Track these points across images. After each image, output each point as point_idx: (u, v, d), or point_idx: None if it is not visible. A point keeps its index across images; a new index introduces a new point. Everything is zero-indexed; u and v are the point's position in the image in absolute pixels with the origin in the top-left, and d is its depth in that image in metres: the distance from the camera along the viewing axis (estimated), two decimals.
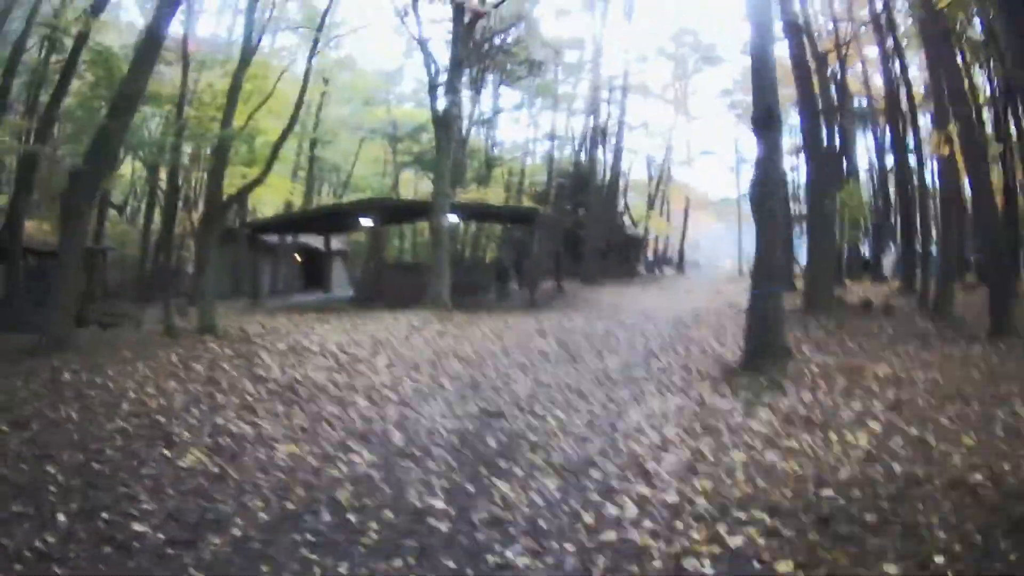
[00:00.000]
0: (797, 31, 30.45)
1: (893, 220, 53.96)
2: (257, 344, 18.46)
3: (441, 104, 35.59)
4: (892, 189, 52.35)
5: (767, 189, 16.37)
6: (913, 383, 12.78)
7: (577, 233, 56.08)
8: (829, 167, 31.44)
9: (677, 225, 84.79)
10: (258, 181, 28.37)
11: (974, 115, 30.14)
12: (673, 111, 79.06)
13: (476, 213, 46.96)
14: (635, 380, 14.61)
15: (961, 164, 25.46)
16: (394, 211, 41.39)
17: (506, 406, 12.04)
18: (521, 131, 75.34)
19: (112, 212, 51.56)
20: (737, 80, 72.01)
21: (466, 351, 18.60)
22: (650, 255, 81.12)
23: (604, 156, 66.33)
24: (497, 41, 55.35)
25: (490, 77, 62.25)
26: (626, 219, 73.81)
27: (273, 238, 46.01)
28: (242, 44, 28.21)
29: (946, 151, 22.65)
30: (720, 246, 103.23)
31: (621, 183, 72.01)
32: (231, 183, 31.94)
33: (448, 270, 32.82)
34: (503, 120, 72.51)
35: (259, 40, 30.19)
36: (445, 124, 35.51)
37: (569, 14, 69.17)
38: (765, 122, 16.12)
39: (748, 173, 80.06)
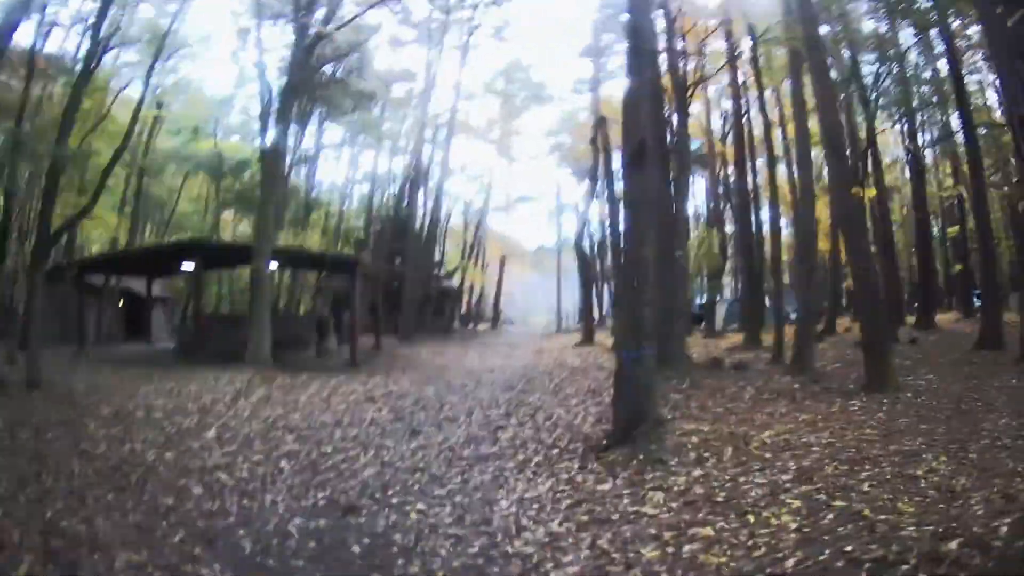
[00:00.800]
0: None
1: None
2: (82, 406, 17.54)
3: (271, 136, 34.39)
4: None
5: (639, 235, 15.23)
6: (808, 448, 12.54)
7: (394, 284, 55.46)
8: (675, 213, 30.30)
9: (492, 276, 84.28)
10: (86, 210, 27.23)
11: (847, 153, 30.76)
12: (495, 152, 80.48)
13: (295, 260, 44.83)
14: (488, 458, 13.87)
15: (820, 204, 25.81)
16: (216, 255, 39.57)
17: (357, 497, 11.20)
18: (341, 171, 74.32)
19: None
20: (564, 119, 73.43)
21: (297, 422, 17.74)
22: (463, 308, 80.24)
23: (424, 201, 65.58)
24: (329, 70, 53.33)
25: (315, 111, 60.24)
26: (442, 269, 73.19)
27: (98, 279, 43.87)
28: (84, 56, 27.78)
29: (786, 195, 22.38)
30: (535, 298, 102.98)
31: (439, 230, 71.12)
32: (62, 213, 31.12)
33: (269, 323, 31.63)
34: (323, 159, 71.32)
35: (103, 54, 29.22)
36: (273, 159, 34.47)
37: (404, 45, 66.53)
38: (638, 158, 15.38)
39: (570, 220, 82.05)
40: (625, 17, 17.78)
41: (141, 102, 30.40)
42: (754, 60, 38.25)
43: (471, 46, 64.29)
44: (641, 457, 12.16)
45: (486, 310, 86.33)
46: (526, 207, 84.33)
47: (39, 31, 32.27)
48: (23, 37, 30.95)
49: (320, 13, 35.28)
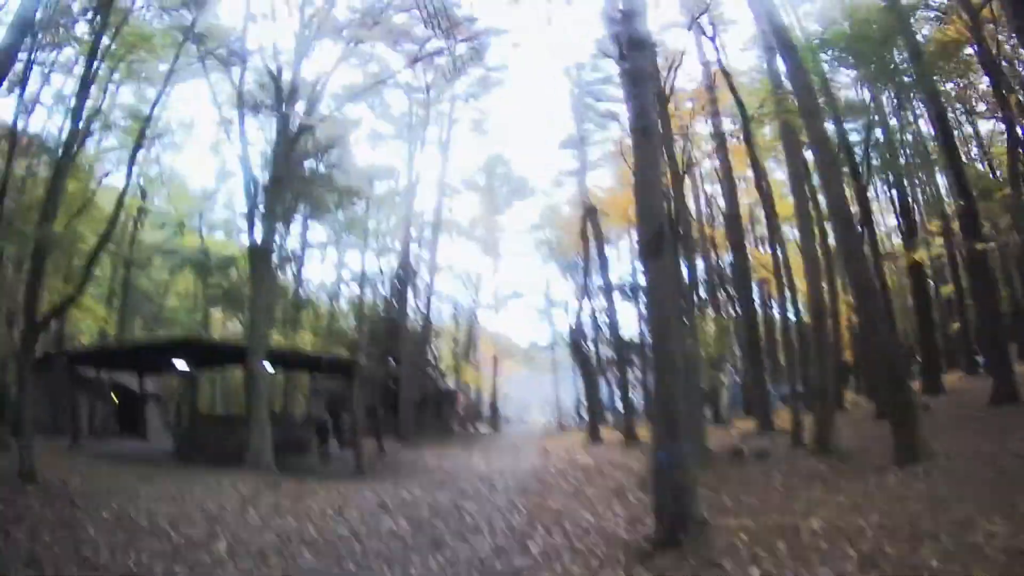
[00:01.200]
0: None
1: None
2: (80, 507, 16.10)
3: (259, 232, 33.21)
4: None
5: (663, 328, 14.13)
6: (861, 531, 11.35)
7: (391, 386, 54.08)
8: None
9: (486, 374, 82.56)
10: (74, 297, 25.89)
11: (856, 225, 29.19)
12: (482, 250, 78.54)
13: (291, 361, 43.44)
14: (523, 571, 12.55)
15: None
16: (209, 353, 38.08)
17: None
18: (328, 271, 72.46)
19: None
20: (547, 213, 73.22)
21: (313, 535, 16.27)
22: (460, 409, 77.26)
23: (415, 301, 64.39)
24: (312, 165, 53.83)
25: (300, 208, 58.81)
26: (438, 370, 71.32)
27: (90, 372, 42.43)
28: (67, 136, 26.90)
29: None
30: (529, 396, 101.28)
31: (432, 330, 69.49)
32: (51, 300, 30.72)
33: (269, 426, 30.05)
34: (310, 258, 69.88)
35: (85, 138, 28.46)
36: (262, 255, 33.24)
37: (384, 140, 66.80)
38: (657, 245, 14.12)
39: (560, 316, 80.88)
40: (627, 95, 16.94)
41: (125, 190, 29.32)
42: (747, 137, 37.10)
43: (452, 140, 65.08)
44: (693, 562, 10.95)
45: (483, 410, 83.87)
46: (515, 303, 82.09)
47: (20, 108, 31.15)
48: (4, 113, 30.37)
49: (301, 106, 34.89)
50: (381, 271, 66.77)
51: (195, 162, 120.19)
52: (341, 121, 51.12)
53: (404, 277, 61.51)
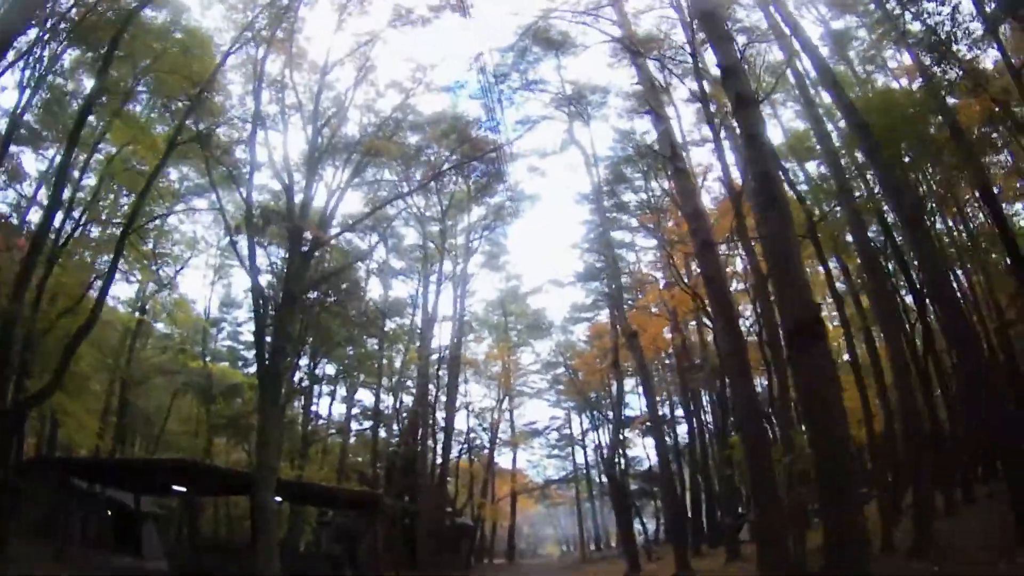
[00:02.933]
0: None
1: None
2: None
3: (268, 353, 29.48)
4: None
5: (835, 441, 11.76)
6: None
7: (407, 522, 50.44)
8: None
9: (501, 509, 78.52)
10: (50, 389, 22.13)
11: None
12: (497, 388, 74.32)
13: (304, 495, 40.20)
14: None
15: None
16: (210, 478, 34.77)
17: None
18: (338, 407, 68.38)
19: None
20: (561, 350, 71.36)
21: None
22: (476, 544, 72.91)
23: (431, 437, 59.67)
24: (319, 297, 50.59)
25: (309, 340, 55.11)
26: (454, 506, 66.70)
27: (83, 484, 38.30)
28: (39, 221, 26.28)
29: None
30: (542, 530, 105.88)
31: (449, 467, 64.75)
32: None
33: (278, 562, 26.19)
34: (319, 393, 65.53)
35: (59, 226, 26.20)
36: (274, 380, 28.96)
37: (396, 275, 65.18)
38: (811, 332, 11.83)
39: (577, 451, 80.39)
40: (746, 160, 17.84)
41: (109, 279, 28.21)
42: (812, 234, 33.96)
43: (467, 275, 61.88)
44: None
45: (498, 544, 79.75)
46: (531, 438, 78.94)
47: None
48: None
49: (312, 223, 32.25)
50: (396, 407, 63.01)
51: (199, 284, 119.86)
52: (352, 249, 51.78)
53: (420, 414, 57.46)
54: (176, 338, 59.07)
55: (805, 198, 34.10)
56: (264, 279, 38.99)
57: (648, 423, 58.23)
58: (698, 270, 37.44)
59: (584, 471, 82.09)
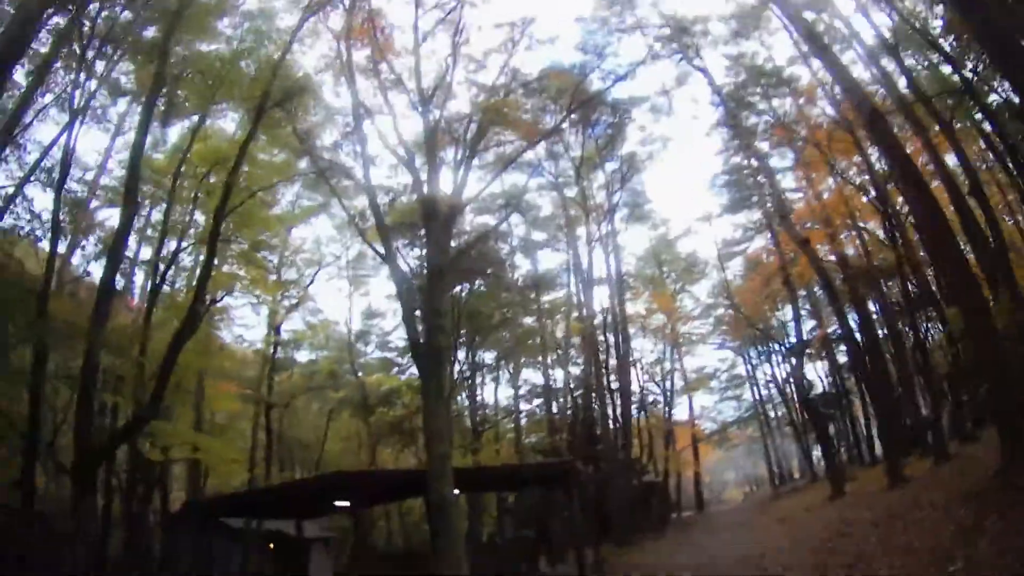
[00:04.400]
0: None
1: None
2: None
3: (419, 334, 25.60)
4: None
5: None
6: None
7: (595, 491, 46.59)
8: None
9: (684, 460, 74.55)
10: (144, 418, 18.57)
11: None
12: (662, 340, 70.74)
13: (486, 480, 35.95)
14: None
15: None
16: (375, 487, 31.30)
17: None
18: (504, 390, 65.73)
19: None
20: (718, 290, 68.27)
21: None
22: (666, 499, 68.89)
23: (612, 400, 56.40)
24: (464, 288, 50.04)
25: (463, 332, 53.49)
26: (639, 465, 63.09)
27: (238, 522, 36.84)
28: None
29: None
30: (720, 476, 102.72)
31: (630, 427, 58.98)
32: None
33: (464, 560, 22.33)
34: (481, 381, 63.71)
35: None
36: (434, 360, 24.94)
37: (540, 248, 61.92)
38: None
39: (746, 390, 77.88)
40: None
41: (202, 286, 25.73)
42: None
43: (612, 232, 57.87)
44: None
45: (685, 497, 76.41)
46: (702, 385, 75.34)
47: None
48: None
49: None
50: (566, 380, 59.33)
51: (336, 304, 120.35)
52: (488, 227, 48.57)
53: (591, 380, 54.65)
54: (322, 360, 58.83)
55: None
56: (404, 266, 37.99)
57: (827, 339, 54.18)
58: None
59: (759, 407, 78.21)
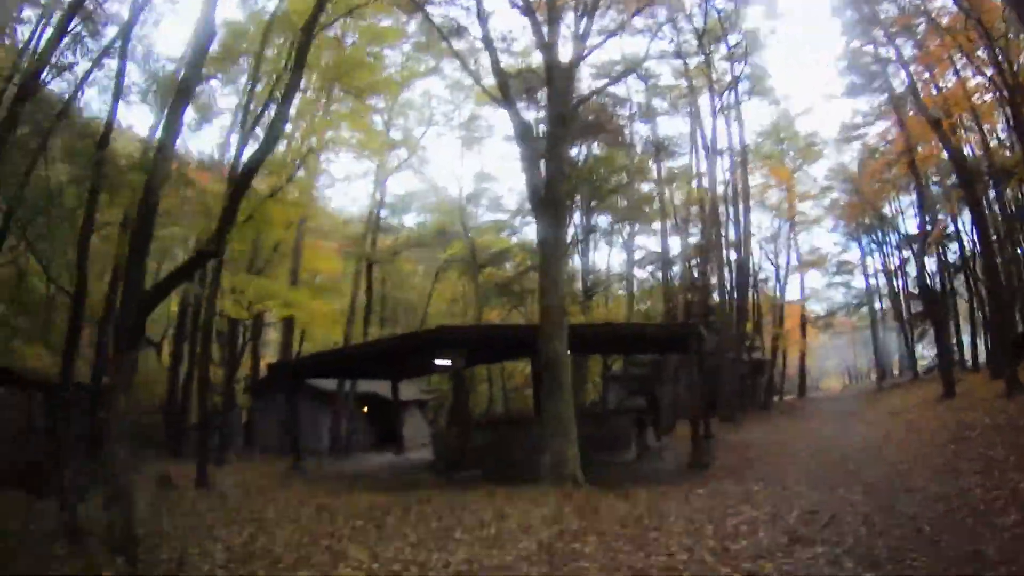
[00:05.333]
0: None
1: None
2: None
3: (538, 181, 23.23)
4: None
5: None
6: None
7: (703, 361, 44.11)
8: None
9: (791, 342, 71.85)
10: (205, 255, 15.28)
11: None
12: (777, 217, 68.70)
13: (601, 339, 32.20)
14: None
15: None
16: (481, 343, 28.93)
17: None
18: (618, 255, 63.92)
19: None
20: (829, 173, 64.84)
21: None
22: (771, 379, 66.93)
23: (729, 273, 55.00)
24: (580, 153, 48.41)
25: (578, 196, 51.67)
26: (751, 342, 61.08)
27: (329, 384, 37.09)
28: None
29: None
30: (820, 364, 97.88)
31: (744, 302, 57.08)
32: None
33: (574, 425, 20.32)
34: (594, 245, 62.07)
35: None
36: (554, 204, 22.90)
37: (660, 115, 57.58)
38: None
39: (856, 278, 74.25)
40: None
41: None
42: None
43: (733, 105, 54.95)
44: None
45: (787, 380, 74.75)
46: (814, 267, 72.62)
47: None
48: None
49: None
50: (682, 248, 57.47)
51: (447, 168, 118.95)
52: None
53: (709, 251, 52.82)
54: (431, 222, 58.68)
55: None
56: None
57: (942, 235, 50.65)
58: None
59: (868, 297, 75.27)
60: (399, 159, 49.64)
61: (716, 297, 52.87)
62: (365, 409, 40.72)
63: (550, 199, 22.36)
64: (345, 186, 47.47)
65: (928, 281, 49.82)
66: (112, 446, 11.67)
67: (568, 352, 21.49)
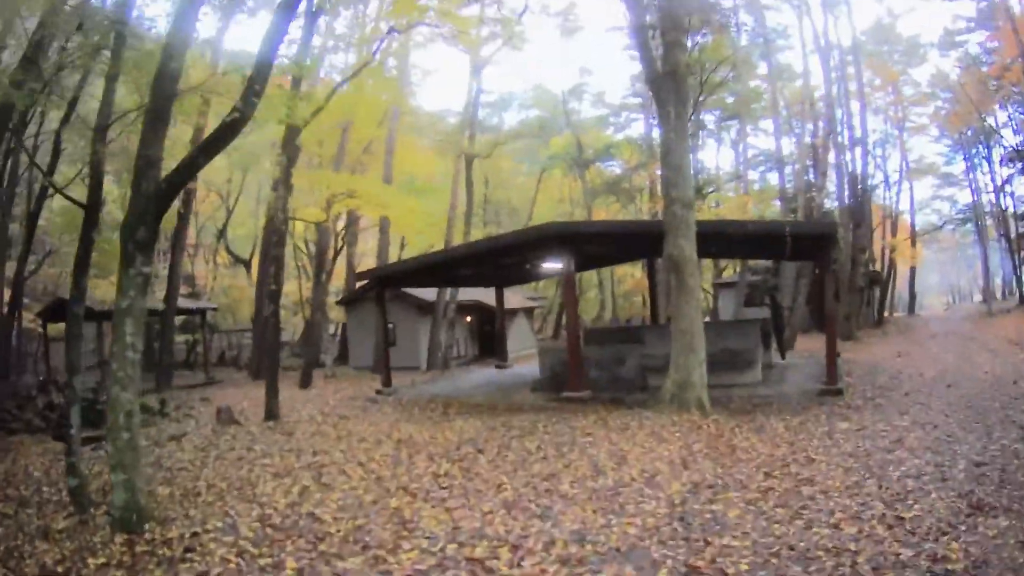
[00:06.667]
0: None
1: None
2: None
3: (655, 56, 20.37)
4: None
5: None
6: None
7: (817, 273, 40.88)
8: None
9: (901, 257, 67.26)
10: (239, 121, 11.66)
11: None
12: (886, 121, 64.44)
13: (726, 236, 23.81)
14: None
15: None
16: (596, 242, 25.58)
17: None
18: (726, 155, 61.27)
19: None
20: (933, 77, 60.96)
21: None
22: (884, 294, 63.31)
23: (840, 176, 50.46)
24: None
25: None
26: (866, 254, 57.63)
27: (429, 294, 34.59)
28: None
29: None
30: (924, 280, 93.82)
31: (862, 212, 52.41)
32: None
33: (702, 340, 17.49)
34: (702, 142, 57.42)
35: None
36: (673, 78, 19.22)
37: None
38: None
39: (962, 194, 71.28)
40: None
41: None
42: None
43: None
44: None
45: (899, 295, 72.92)
46: (930, 171, 68.63)
47: None
48: None
49: None
50: (800, 148, 52.00)
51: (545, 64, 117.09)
52: None
53: (816, 155, 48.15)
54: (531, 119, 56.79)
55: None
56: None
57: None
58: None
59: (976, 211, 68.25)
60: (494, 49, 46.35)
61: (827, 204, 49.07)
62: (468, 319, 38.47)
63: (669, 71, 19.03)
64: (441, 83, 44.30)
65: None
66: (114, 389, 9.07)
67: (695, 253, 18.36)
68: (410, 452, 13.24)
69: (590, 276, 51.69)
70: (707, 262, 44.04)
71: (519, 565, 7.16)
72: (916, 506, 8.66)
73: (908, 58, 61.53)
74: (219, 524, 9.04)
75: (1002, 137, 55.45)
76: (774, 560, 7.10)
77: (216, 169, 40.89)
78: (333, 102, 24.05)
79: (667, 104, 18.64)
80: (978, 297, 76.25)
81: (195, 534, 8.62)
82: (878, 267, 58.23)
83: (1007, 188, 59.20)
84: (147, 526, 8.63)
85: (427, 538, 8.18)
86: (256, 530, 8.83)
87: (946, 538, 7.59)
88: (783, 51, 54.84)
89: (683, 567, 7.01)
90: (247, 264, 48.02)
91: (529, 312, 44.32)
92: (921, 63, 62.64)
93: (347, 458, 13.00)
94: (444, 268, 28.43)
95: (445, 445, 13.70)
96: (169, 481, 11.34)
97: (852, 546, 7.42)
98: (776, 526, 8.15)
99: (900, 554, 7.14)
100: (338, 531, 8.63)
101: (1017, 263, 59.02)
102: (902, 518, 8.22)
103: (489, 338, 37.48)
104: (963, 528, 7.85)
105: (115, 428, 8.89)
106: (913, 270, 69.44)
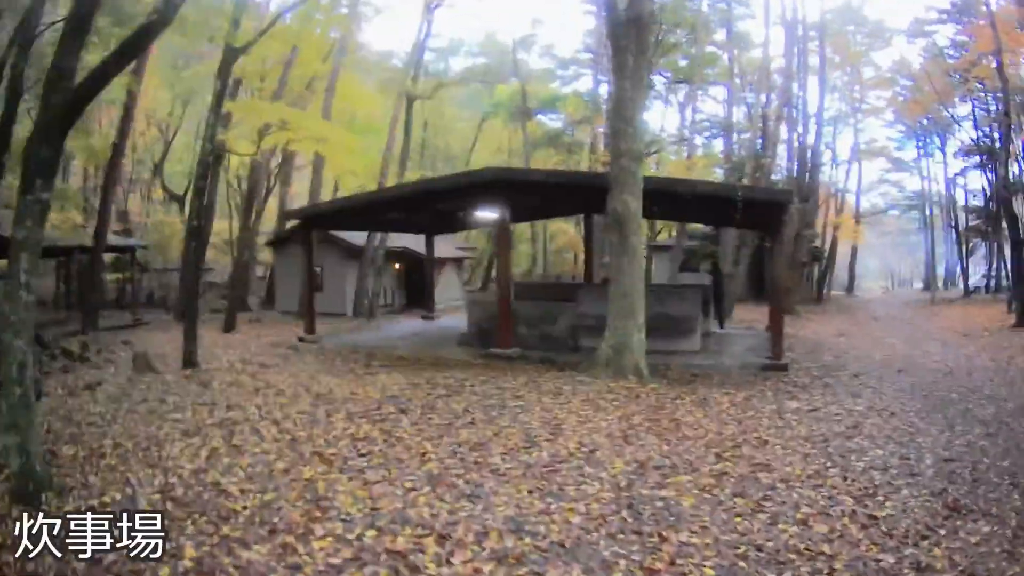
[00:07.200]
0: None
1: None
2: None
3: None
4: None
5: None
6: None
7: (758, 243, 40.34)
8: None
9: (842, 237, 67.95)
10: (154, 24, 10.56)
11: None
12: (840, 100, 64.54)
13: (671, 198, 22.39)
14: None
15: None
16: (523, 193, 23.73)
17: None
18: (671, 118, 60.59)
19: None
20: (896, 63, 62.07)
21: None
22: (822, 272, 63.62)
23: (789, 150, 50.28)
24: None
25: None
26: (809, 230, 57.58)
27: (359, 238, 33.65)
28: None
29: None
30: (863, 262, 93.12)
31: (800, 188, 54.15)
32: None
33: (642, 302, 16.73)
34: (649, 103, 56.29)
35: None
36: (635, 23, 17.99)
37: None
38: None
39: (909, 180, 73.88)
40: None
41: None
42: None
43: None
44: None
45: (837, 274, 71.75)
46: (872, 159, 70.42)
47: None
48: None
49: None
50: (752, 115, 52.11)
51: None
52: None
53: (766, 127, 47.24)
54: (478, 66, 56.58)
55: None
56: None
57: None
58: None
59: (923, 200, 71.15)
60: None
61: (775, 177, 47.94)
62: (396, 267, 37.73)
63: (633, 17, 17.84)
64: (392, 24, 43.06)
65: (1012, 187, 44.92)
66: (6, 335, 7.78)
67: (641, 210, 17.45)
68: (328, 410, 12.20)
69: (523, 229, 51.21)
70: (642, 223, 43.11)
71: (448, 562, 6.07)
72: (888, 504, 8.06)
73: (872, 40, 61.87)
74: (118, 496, 7.84)
75: (961, 129, 55.74)
76: (742, 563, 6.27)
77: (157, 101, 39.46)
78: (278, 31, 22.80)
79: (626, 52, 17.43)
80: (918, 284, 77.66)
81: (91, 508, 7.36)
82: (821, 244, 57.84)
83: (959, 180, 59.86)
84: (44, 496, 7.51)
85: (342, 520, 7.06)
86: (156, 504, 7.61)
87: (926, 543, 7.10)
88: (744, 19, 54.18)
89: (639, 570, 6.06)
90: (181, 201, 46.73)
91: (459, 262, 43.69)
92: (885, 47, 63.21)
93: (262, 415, 11.93)
94: (375, 209, 26.95)
95: (366, 403, 12.71)
96: (76, 439, 10.30)
97: (826, 548, 6.72)
98: (738, 520, 7.34)
99: (880, 560, 6.52)
100: (244, 508, 7.47)
101: (964, 255, 59.85)
102: (875, 517, 7.58)
103: (417, 287, 36.46)
104: (943, 532, 7.34)
105: (8, 382, 7.63)
106: (855, 250, 70.09)
